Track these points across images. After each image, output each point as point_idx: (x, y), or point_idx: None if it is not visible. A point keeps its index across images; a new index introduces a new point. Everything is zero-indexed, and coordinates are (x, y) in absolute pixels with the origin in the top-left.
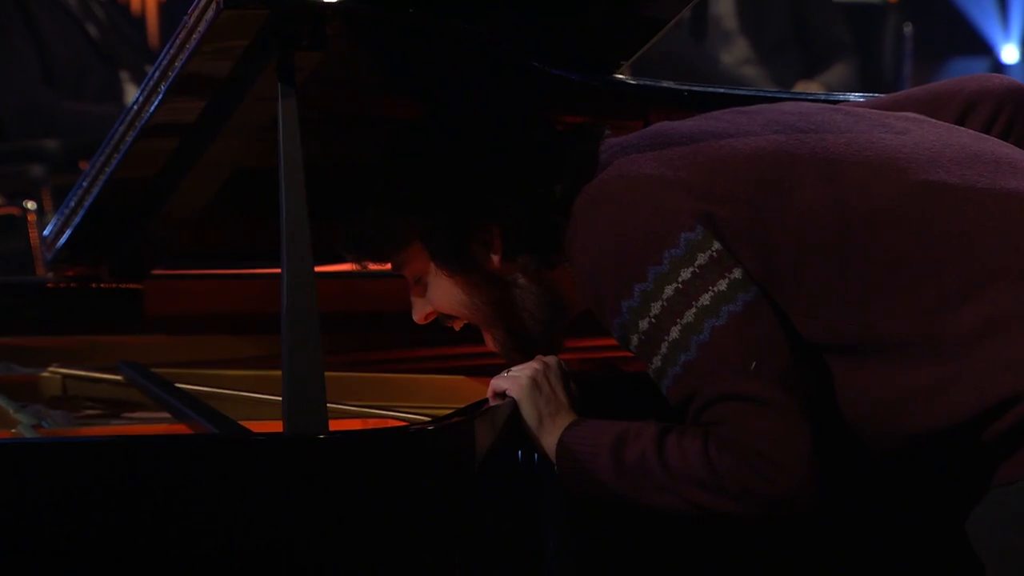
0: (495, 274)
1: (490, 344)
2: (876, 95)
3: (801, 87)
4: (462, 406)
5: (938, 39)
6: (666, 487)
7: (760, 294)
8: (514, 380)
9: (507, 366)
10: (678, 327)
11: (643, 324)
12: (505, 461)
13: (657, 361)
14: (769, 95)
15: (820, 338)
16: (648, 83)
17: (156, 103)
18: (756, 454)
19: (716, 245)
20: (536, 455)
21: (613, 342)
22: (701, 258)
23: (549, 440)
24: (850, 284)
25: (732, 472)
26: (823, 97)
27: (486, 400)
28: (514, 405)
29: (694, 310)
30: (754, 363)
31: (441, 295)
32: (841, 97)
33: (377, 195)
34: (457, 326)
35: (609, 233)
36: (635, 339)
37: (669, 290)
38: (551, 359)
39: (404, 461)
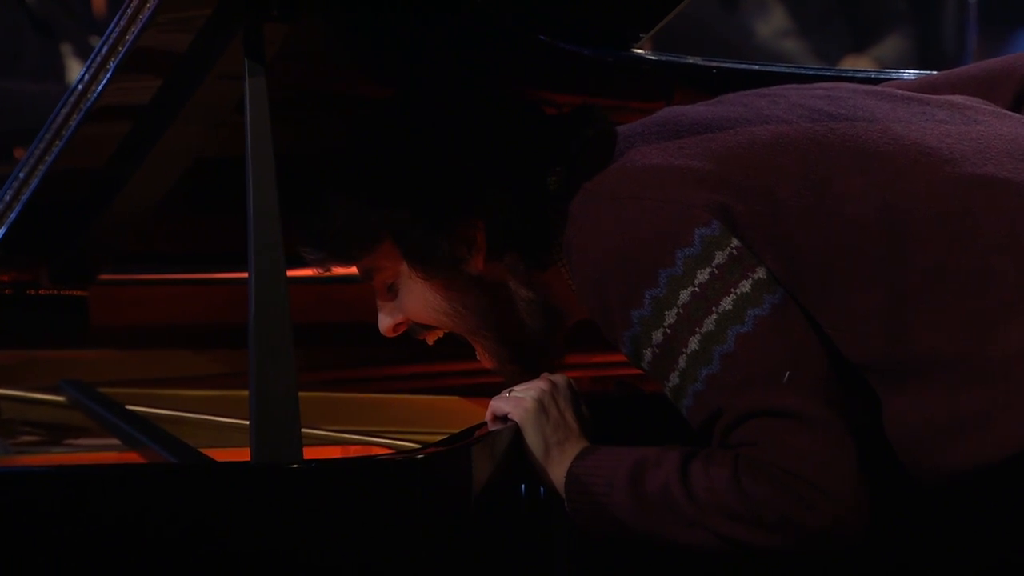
0: (478, 276)
1: (482, 357)
2: (931, 72)
3: (849, 63)
4: (456, 431)
5: (1007, 6)
6: (693, 521)
7: (787, 295)
8: (517, 402)
9: (506, 384)
10: (697, 337)
11: (657, 336)
12: (506, 495)
13: (674, 378)
14: (811, 73)
15: (850, 355)
16: (671, 59)
17: (104, 82)
18: (795, 478)
19: (735, 241)
20: (542, 488)
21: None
22: (719, 256)
23: (557, 471)
24: (885, 292)
25: (768, 500)
26: (872, 75)
27: (484, 424)
28: (516, 431)
29: (715, 316)
30: (787, 373)
31: (415, 301)
32: (894, 75)
33: (343, 185)
34: (431, 339)
35: (613, 233)
36: (648, 354)
37: (685, 295)
38: (559, 378)
39: (389, 494)
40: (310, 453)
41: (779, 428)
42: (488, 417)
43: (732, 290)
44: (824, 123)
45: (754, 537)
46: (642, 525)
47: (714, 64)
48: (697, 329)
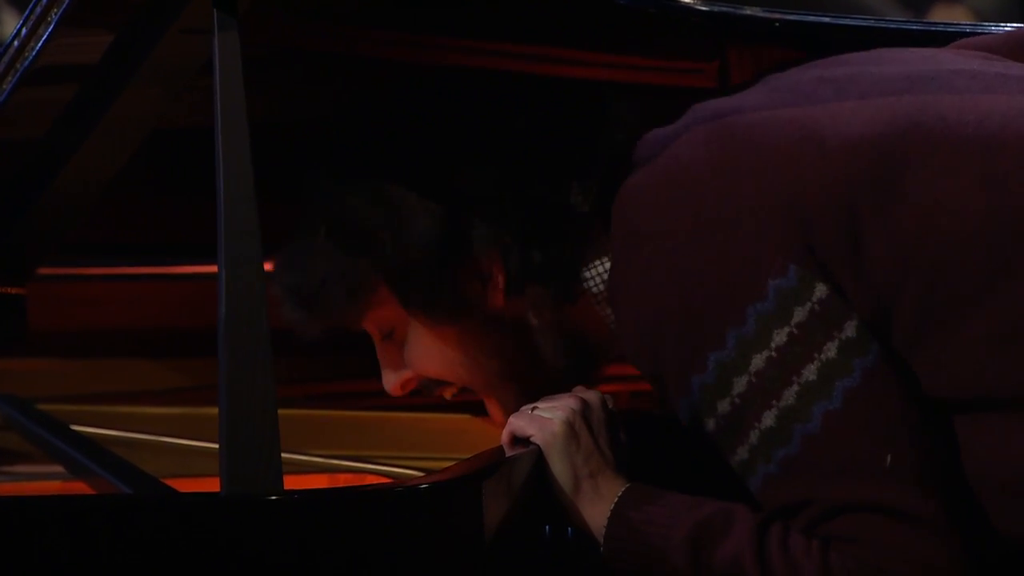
0: (497, 317)
1: (494, 414)
2: (1007, 27)
3: (940, 15)
4: (467, 456)
5: None
6: None
7: (880, 351)
8: (542, 424)
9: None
10: (774, 412)
11: (723, 406)
12: (527, 535)
13: (742, 452)
14: (893, 27)
15: (950, 392)
16: (725, 9)
17: (45, 37)
18: None
19: (819, 292)
20: (570, 529)
21: None
22: (799, 313)
23: (590, 509)
24: (998, 314)
25: None
26: (967, 29)
27: (501, 449)
28: (539, 458)
29: (796, 388)
30: (888, 457)
31: (423, 355)
32: (993, 29)
33: (317, 218)
34: (450, 394)
35: (668, 285)
36: (710, 423)
37: (759, 360)
38: (591, 395)
39: (386, 533)
40: (292, 483)
41: (880, 526)
42: (505, 440)
43: (815, 356)
44: (904, 98)
45: None
46: None
47: (776, 16)
48: (774, 402)
